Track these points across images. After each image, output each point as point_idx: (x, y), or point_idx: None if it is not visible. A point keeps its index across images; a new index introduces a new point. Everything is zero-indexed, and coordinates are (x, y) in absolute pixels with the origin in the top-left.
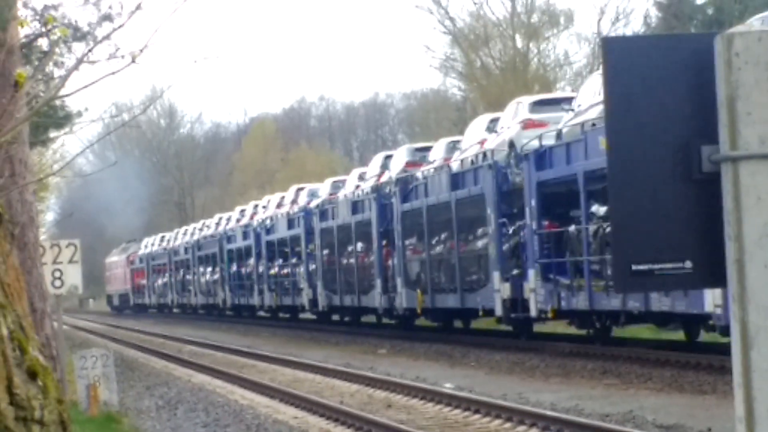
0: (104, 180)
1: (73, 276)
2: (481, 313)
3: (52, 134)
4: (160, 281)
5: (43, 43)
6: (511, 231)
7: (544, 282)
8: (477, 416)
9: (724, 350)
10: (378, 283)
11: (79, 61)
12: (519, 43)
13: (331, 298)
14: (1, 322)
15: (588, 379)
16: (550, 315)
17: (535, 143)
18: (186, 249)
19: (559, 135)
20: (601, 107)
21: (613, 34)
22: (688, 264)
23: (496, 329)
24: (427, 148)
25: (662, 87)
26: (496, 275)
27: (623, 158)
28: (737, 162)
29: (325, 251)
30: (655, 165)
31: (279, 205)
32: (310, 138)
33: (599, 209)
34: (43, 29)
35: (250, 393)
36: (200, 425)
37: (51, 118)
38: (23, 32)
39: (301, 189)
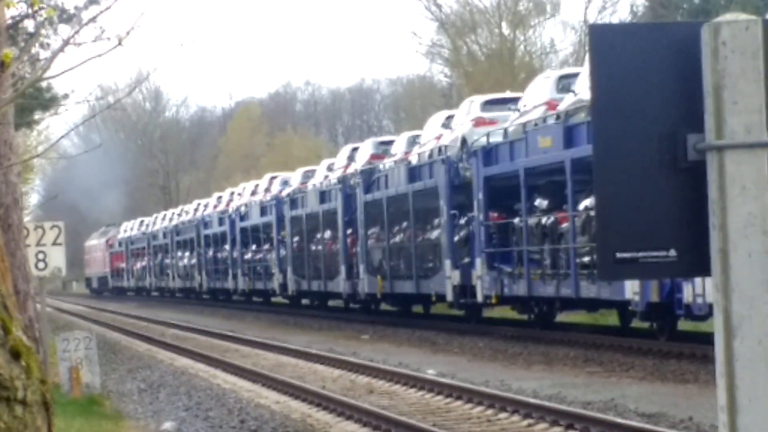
0: (89, 162)
1: (57, 258)
2: (434, 298)
3: (38, 116)
4: (138, 265)
5: (29, 24)
6: (462, 222)
7: (489, 270)
8: (459, 402)
9: (706, 340)
10: (343, 269)
11: (65, 43)
12: (506, 30)
13: (300, 283)
14: None
15: (570, 367)
16: (494, 301)
17: (484, 140)
18: (165, 234)
19: (505, 133)
20: (543, 108)
21: (600, 23)
22: (673, 252)
23: (450, 314)
24: (391, 142)
25: (649, 75)
26: (447, 263)
27: (609, 146)
28: (723, 151)
29: (296, 238)
30: (641, 153)
31: (253, 193)
32: (295, 123)
33: (542, 203)
34: (30, 10)
35: (232, 377)
36: (182, 409)
37: (37, 99)
38: (9, 13)
39: (275, 177)
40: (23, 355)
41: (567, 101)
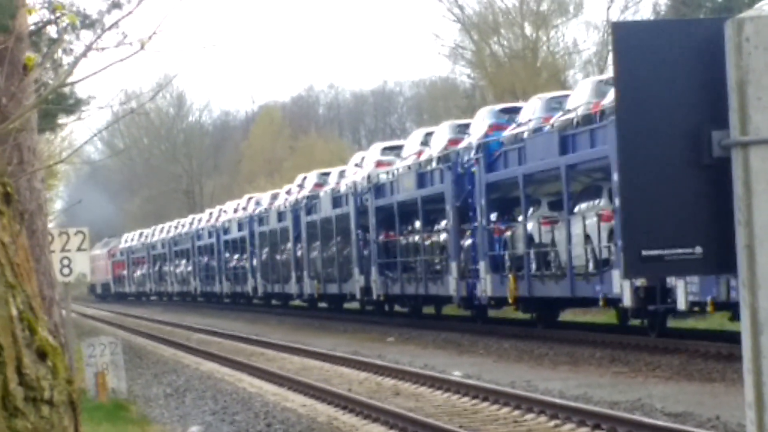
0: (113, 168)
1: (82, 264)
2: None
3: (61, 121)
4: (138, 272)
5: (52, 30)
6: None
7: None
8: (485, 404)
9: (733, 338)
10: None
11: (88, 48)
12: (528, 30)
13: (267, 287)
14: (10, 302)
15: (596, 367)
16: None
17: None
18: (163, 244)
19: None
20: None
21: (622, 20)
22: (699, 249)
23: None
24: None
25: (672, 72)
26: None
27: (633, 144)
28: (747, 147)
29: (265, 249)
30: (666, 150)
31: (235, 210)
32: (318, 126)
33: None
34: (52, 16)
35: (258, 381)
36: (208, 413)
37: (60, 105)
38: (32, 19)
39: (251, 198)
40: (50, 355)
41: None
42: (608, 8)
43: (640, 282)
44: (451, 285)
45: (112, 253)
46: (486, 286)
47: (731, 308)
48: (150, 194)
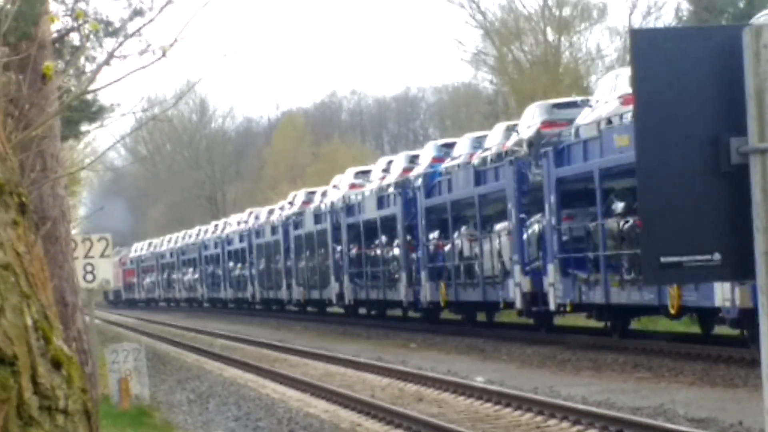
0: (135, 174)
1: (105, 270)
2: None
3: (84, 128)
4: (148, 279)
5: (74, 38)
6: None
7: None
8: (508, 410)
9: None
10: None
11: (110, 56)
12: (550, 36)
13: (263, 293)
14: (25, 311)
15: (619, 372)
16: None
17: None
18: (171, 253)
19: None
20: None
21: (641, 27)
22: (717, 256)
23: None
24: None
25: (690, 79)
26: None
27: (652, 151)
28: (766, 154)
29: (262, 259)
30: (684, 157)
31: (238, 223)
32: (341, 132)
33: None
34: (75, 24)
35: (281, 387)
36: (232, 419)
37: (83, 112)
38: (54, 27)
39: (252, 212)
40: (64, 365)
41: None
42: (630, 14)
43: (527, 289)
44: (402, 291)
45: (122, 261)
46: (426, 292)
47: (585, 309)
48: (173, 201)
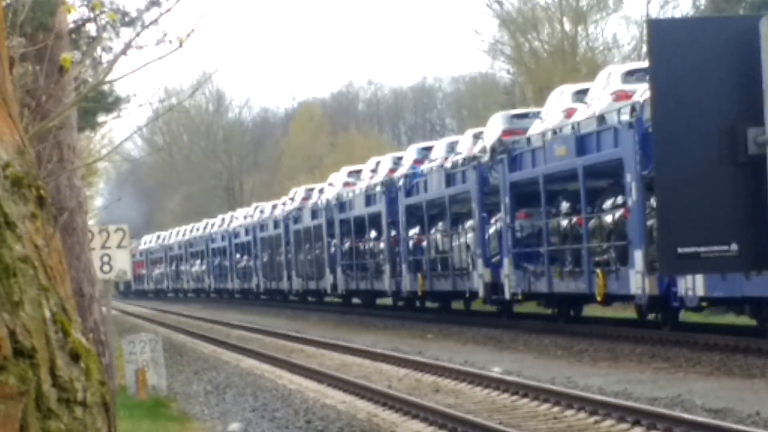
0: (152, 165)
1: (122, 261)
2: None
3: (101, 119)
4: (157, 271)
5: (91, 28)
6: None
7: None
8: (525, 400)
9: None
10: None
11: (127, 46)
12: (567, 26)
13: (267, 284)
14: (44, 304)
15: (636, 363)
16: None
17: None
18: (180, 246)
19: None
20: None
21: (658, 17)
22: (734, 247)
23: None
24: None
25: (708, 69)
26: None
27: (669, 141)
28: None
29: (266, 252)
30: (701, 148)
31: (245, 217)
32: (358, 122)
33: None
34: (91, 14)
35: (298, 377)
36: (248, 409)
37: (99, 102)
38: (71, 18)
39: (257, 207)
40: (83, 357)
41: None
42: (648, 3)
43: (488, 279)
44: (386, 282)
45: (132, 253)
46: (406, 282)
47: (534, 298)
48: (190, 191)
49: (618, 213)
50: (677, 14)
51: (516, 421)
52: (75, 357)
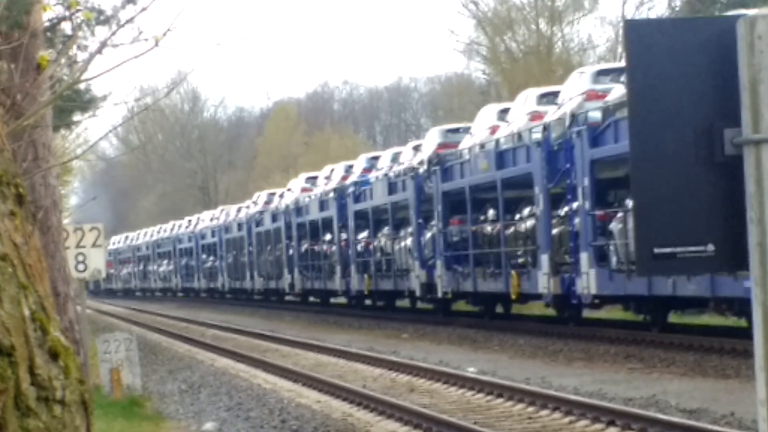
0: (127, 164)
1: (97, 260)
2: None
3: (76, 118)
4: (125, 270)
5: (66, 26)
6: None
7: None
8: (500, 400)
9: (747, 334)
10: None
11: (102, 45)
12: (543, 26)
13: (232, 283)
14: (23, 302)
15: (611, 363)
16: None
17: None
18: (147, 246)
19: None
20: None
21: (635, 18)
22: (711, 247)
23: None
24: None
25: (685, 70)
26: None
27: (646, 142)
28: (760, 145)
29: (231, 252)
30: (678, 148)
31: (211, 219)
32: (333, 122)
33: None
34: (67, 13)
35: (273, 377)
36: (223, 409)
37: (75, 101)
38: (46, 16)
39: (223, 210)
40: (62, 355)
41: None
42: (623, 4)
43: (423, 280)
44: (338, 282)
45: None
46: (355, 282)
47: (462, 296)
48: (165, 191)
49: (530, 221)
50: (653, 15)
51: (491, 421)
52: (54, 355)
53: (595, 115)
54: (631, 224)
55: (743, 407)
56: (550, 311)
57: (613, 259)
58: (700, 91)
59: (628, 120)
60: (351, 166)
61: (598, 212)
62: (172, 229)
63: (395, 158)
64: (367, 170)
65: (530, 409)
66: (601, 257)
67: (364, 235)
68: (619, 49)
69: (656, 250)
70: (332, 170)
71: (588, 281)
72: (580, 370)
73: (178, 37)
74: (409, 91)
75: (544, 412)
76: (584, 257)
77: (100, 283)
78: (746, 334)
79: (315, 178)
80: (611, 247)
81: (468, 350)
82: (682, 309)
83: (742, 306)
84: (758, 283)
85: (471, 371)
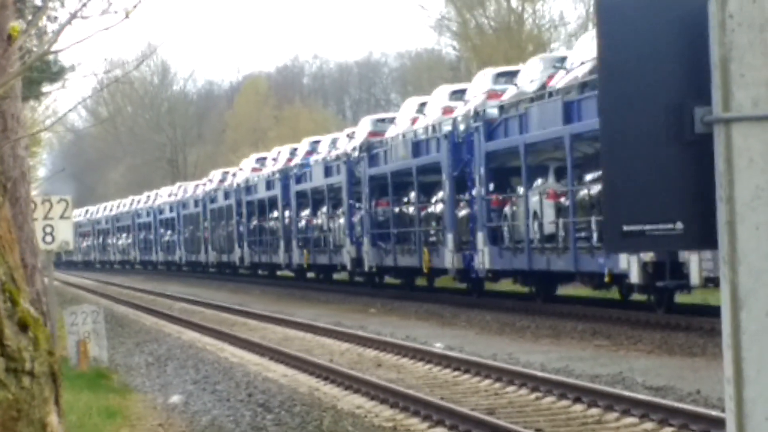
0: (96, 136)
1: (65, 232)
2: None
3: (45, 89)
4: (85, 244)
5: None
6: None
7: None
8: (467, 376)
9: (714, 312)
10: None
11: (72, 16)
12: (514, 3)
13: (188, 257)
14: None
15: (578, 340)
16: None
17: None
18: (107, 220)
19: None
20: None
21: None
22: (679, 225)
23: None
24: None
25: (655, 48)
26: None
27: (616, 119)
28: (730, 124)
29: (189, 227)
30: (648, 126)
31: (169, 195)
32: (303, 96)
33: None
34: None
35: (240, 351)
36: (190, 382)
37: (44, 72)
38: None
39: (181, 186)
40: (31, 327)
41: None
42: None
43: (353, 255)
44: (281, 255)
45: None
46: (296, 256)
47: (386, 271)
48: (134, 163)
49: (440, 205)
50: None
51: (457, 396)
52: (23, 327)
53: (493, 112)
54: (521, 209)
55: (709, 385)
56: (519, 288)
57: (507, 238)
58: (670, 69)
59: (598, 97)
60: (296, 149)
61: (492, 197)
62: (131, 204)
63: (333, 143)
64: (309, 153)
65: (497, 385)
66: (494, 237)
67: (306, 213)
68: (591, 26)
69: (625, 228)
70: (279, 152)
71: (483, 257)
72: (547, 346)
73: (148, 10)
74: (379, 66)
75: (511, 388)
76: (480, 236)
77: (61, 255)
78: (713, 312)
79: (264, 158)
80: (504, 228)
81: (435, 326)
82: (560, 283)
83: (598, 279)
84: (727, 262)
85: (438, 347)
